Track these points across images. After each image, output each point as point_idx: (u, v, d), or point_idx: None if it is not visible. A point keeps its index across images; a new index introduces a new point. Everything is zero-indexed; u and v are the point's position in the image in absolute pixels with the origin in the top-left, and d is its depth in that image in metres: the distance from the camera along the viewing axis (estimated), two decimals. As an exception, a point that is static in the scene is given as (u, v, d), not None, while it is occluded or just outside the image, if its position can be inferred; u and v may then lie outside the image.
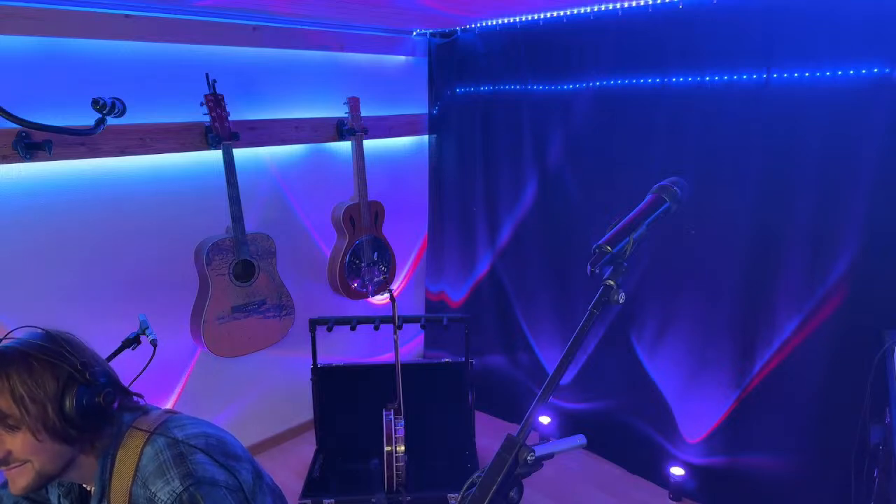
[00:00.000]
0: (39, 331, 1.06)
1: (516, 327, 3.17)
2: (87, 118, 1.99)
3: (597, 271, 0.91)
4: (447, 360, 2.74)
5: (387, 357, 3.42)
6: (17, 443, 1.00)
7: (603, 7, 2.47)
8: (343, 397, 2.71)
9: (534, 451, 0.83)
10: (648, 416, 2.67)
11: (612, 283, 0.89)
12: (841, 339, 2.07)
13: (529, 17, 2.76)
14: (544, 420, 3.02)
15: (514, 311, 3.16)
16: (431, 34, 3.22)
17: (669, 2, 2.28)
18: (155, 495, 1.03)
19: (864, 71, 1.91)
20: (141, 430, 1.09)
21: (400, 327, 2.39)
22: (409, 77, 3.27)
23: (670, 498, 2.57)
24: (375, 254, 3.04)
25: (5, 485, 1.19)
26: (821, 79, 1.99)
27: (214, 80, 2.33)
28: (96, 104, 1.93)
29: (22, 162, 1.99)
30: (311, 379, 2.66)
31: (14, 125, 1.83)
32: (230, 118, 2.39)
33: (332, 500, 2.32)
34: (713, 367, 2.40)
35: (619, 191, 2.57)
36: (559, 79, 2.73)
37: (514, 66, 2.89)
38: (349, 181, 2.97)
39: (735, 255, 2.27)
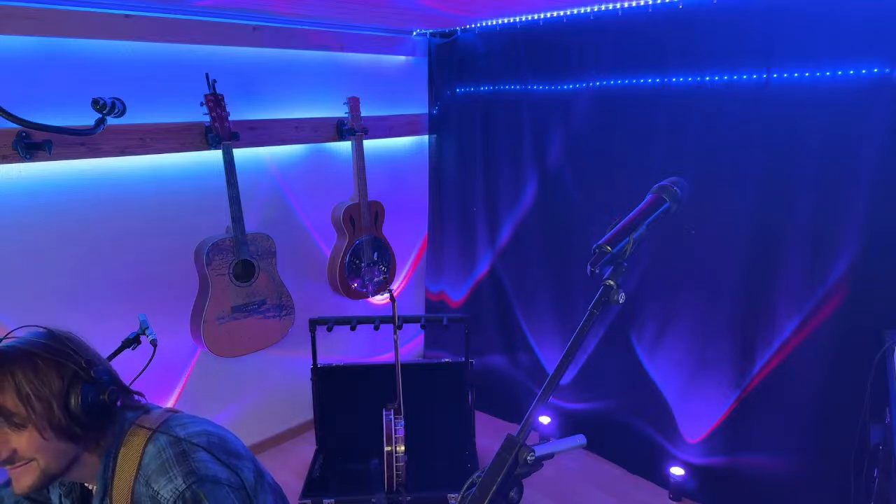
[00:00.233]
0: (41, 330, 1.06)
1: (516, 327, 3.17)
2: (87, 118, 1.99)
3: (597, 271, 0.91)
4: (447, 360, 2.74)
5: (387, 357, 3.42)
6: (23, 441, 1.00)
7: (603, 7, 2.47)
8: (343, 397, 2.71)
9: (534, 451, 0.83)
10: (648, 416, 2.67)
11: (612, 283, 0.89)
12: (841, 339, 2.07)
13: (529, 17, 2.76)
14: (544, 420, 3.02)
15: (514, 311, 3.16)
16: (431, 34, 3.22)
17: (669, 2, 2.28)
18: (158, 493, 1.04)
19: (864, 71, 1.91)
20: (143, 427, 1.10)
21: (400, 327, 2.39)
22: (409, 77, 3.28)
23: (670, 498, 2.57)
24: (375, 254, 3.04)
25: (6, 484, 1.19)
26: (821, 79, 1.99)
27: (214, 80, 2.33)
28: (96, 104, 1.93)
29: (22, 162, 1.99)
30: (311, 379, 2.66)
31: (14, 125, 1.83)
32: (230, 118, 2.39)
33: (332, 500, 2.32)
34: (713, 367, 2.40)
35: (619, 191, 2.57)
36: (559, 79, 2.73)
37: (514, 66, 2.89)
38: (349, 181, 2.98)
39: (735, 255, 2.27)
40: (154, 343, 1.56)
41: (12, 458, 1.01)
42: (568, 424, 2.98)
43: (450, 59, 3.18)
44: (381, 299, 3.31)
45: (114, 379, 1.11)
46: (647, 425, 2.69)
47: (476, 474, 0.86)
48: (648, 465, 2.69)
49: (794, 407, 2.21)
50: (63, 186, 2.17)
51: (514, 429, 0.84)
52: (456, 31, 3.12)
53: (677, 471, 2.54)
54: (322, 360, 2.67)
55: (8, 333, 1.06)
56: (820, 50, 1.97)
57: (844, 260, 2.03)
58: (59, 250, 2.19)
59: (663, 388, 2.59)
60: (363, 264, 3.00)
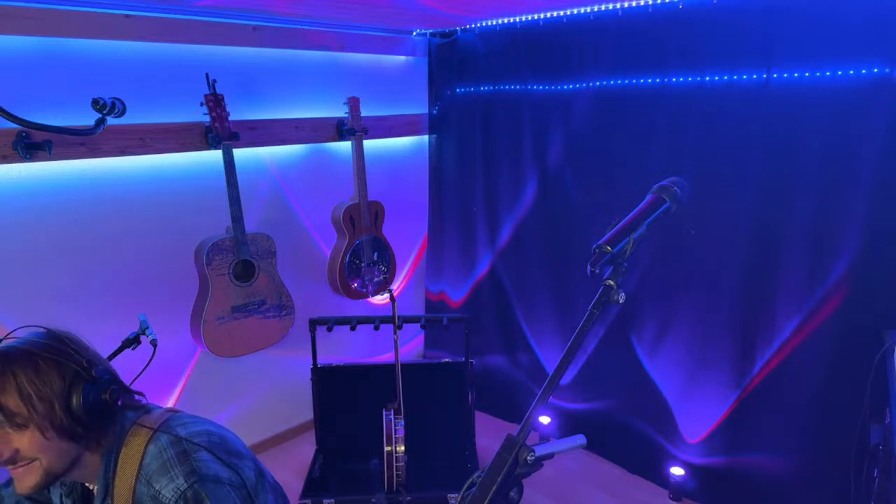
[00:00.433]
0: (41, 330, 1.06)
1: (516, 327, 3.17)
2: (87, 118, 1.99)
3: (597, 271, 0.91)
4: (447, 360, 2.74)
5: (387, 357, 3.42)
6: (25, 441, 1.00)
7: (603, 7, 2.47)
8: (343, 397, 2.71)
9: (534, 451, 0.83)
10: (648, 416, 2.67)
11: (612, 283, 0.89)
12: (841, 339, 2.07)
13: (529, 17, 2.76)
14: (544, 420, 3.02)
15: (514, 311, 3.16)
16: (431, 34, 3.22)
17: (669, 2, 2.28)
18: (159, 493, 1.04)
19: (864, 71, 1.91)
20: (144, 427, 1.10)
21: (400, 327, 2.39)
22: (409, 77, 3.28)
23: (670, 498, 2.57)
24: (375, 254, 3.04)
25: (7, 484, 1.20)
26: (821, 79, 1.99)
27: (214, 80, 2.33)
28: (96, 104, 1.93)
29: (22, 162, 1.99)
30: (311, 379, 2.66)
31: (14, 125, 1.83)
32: (230, 118, 2.39)
33: (332, 500, 2.32)
34: (713, 367, 2.40)
35: (619, 191, 2.57)
36: (559, 79, 2.73)
37: (514, 66, 2.89)
38: (349, 181, 2.98)
39: (735, 255, 2.27)
40: (154, 343, 1.56)
41: (14, 458, 1.01)
42: (568, 424, 2.98)
43: (450, 59, 3.18)
44: (381, 299, 3.31)
45: (114, 379, 1.11)
46: (647, 425, 2.69)
47: (476, 474, 0.86)
48: (648, 465, 2.69)
49: (794, 407, 2.21)
50: (63, 186, 2.17)
51: (514, 429, 0.83)
52: (456, 31, 3.12)
53: (677, 471, 2.54)
54: (322, 360, 2.67)
55: (8, 333, 1.06)
56: (820, 50, 1.97)
57: (844, 260, 2.03)
58: (59, 250, 2.19)
59: (663, 388, 2.59)
60: (363, 264, 3.00)
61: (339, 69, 2.92)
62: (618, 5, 2.42)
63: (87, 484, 1.18)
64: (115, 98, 1.96)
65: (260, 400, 2.93)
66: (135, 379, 1.26)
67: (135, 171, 2.32)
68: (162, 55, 2.33)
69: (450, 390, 2.71)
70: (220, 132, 2.35)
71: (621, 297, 0.89)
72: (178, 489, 1.03)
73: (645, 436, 2.70)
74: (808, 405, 2.17)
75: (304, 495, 2.41)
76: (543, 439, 3.01)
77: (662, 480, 2.63)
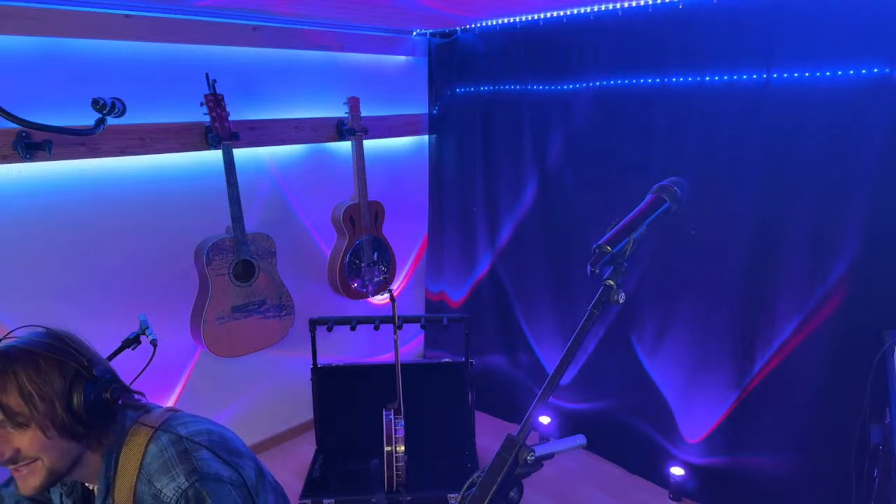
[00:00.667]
0: (41, 329, 1.06)
1: (516, 327, 3.17)
2: (87, 118, 1.99)
3: (597, 271, 0.91)
4: (447, 360, 2.74)
5: (387, 357, 3.42)
6: (26, 440, 1.00)
7: (603, 7, 2.47)
8: (343, 397, 2.71)
9: (534, 451, 0.83)
10: (648, 416, 2.67)
11: (612, 283, 0.89)
12: (841, 339, 2.06)
13: (529, 17, 2.76)
14: (544, 420, 3.02)
15: (514, 311, 3.16)
16: (431, 34, 3.22)
17: (669, 2, 2.28)
18: (160, 492, 1.04)
19: (864, 71, 1.91)
20: (145, 426, 1.10)
21: (400, 327, 2.39)
22: (409, 77, 3.28)
23: (670, 498, 2.57)
24: (375, 254, 3.04)
25: (7, 483, 1.20)
26: (821, 79, 1.99)
27: (214, 80, 2.33)
28: (96, 104, 1.93)
29: (22, 162, 1.99)
30: (311, 379, 2.66)
31: (14, 125, 1.83)
32: (230, 118, 2.39)
33: (332, 500, 2.32)
34: (713, 368, 2.40)
35: (618, 191, 2.57)
36: (559, 79, 2.73)
37: (514, 66, 2.89)
38: (349, 181, 2.98)
39: (735, 255, 2.27)
40: (154, 343, 1.56)
41: (16, 458, 1.01)
42: (568, 424, 2.98)
43: (450, 59, 3.18)
44: (381, 299, 3.31)
45: (115, 378, 1.12)
46: (647, 425, 2.69)
47: (476, 474, 0.86)
48: (648, 465, 2.69)
49: (794, 407, 2.21)
50: (63, 186, 2.17)
51: (514, 429, 0.84)
52: (456, 31, 3.12)
53: (677, 471, 2.54)
54: (322, 360, 2.67)
55: (8, 333, 1.06)
56: (820, 50, 1.97)
57: (844, 260, 2.03)
58: (59, 250, 2.19)
59: (663, 388, 2.59)
60: (363, 264, 3.00)
61: (339, 69, 2.92)
62: (618, 5, 2.42)
63: (87, 484, 1.18)
64: (115, 98, 1.96)
65: (260, 400, 2.93)
66: (135, 379, 1.26)
67: (135, 170, 2.32)
68: (162, 55, 2.33)
69: (450, 390, 2.71)
70: (220, 132, 2.35)
71: (621, 297, 0.89)
72: (180, 488, 1.03)
73: (645, 436, 2.70)
74: (808, 405, 2.17)
75: (304, 495, 2.41)
76: (543, 439, 3.01)
77: (662, 480, 2.63)
